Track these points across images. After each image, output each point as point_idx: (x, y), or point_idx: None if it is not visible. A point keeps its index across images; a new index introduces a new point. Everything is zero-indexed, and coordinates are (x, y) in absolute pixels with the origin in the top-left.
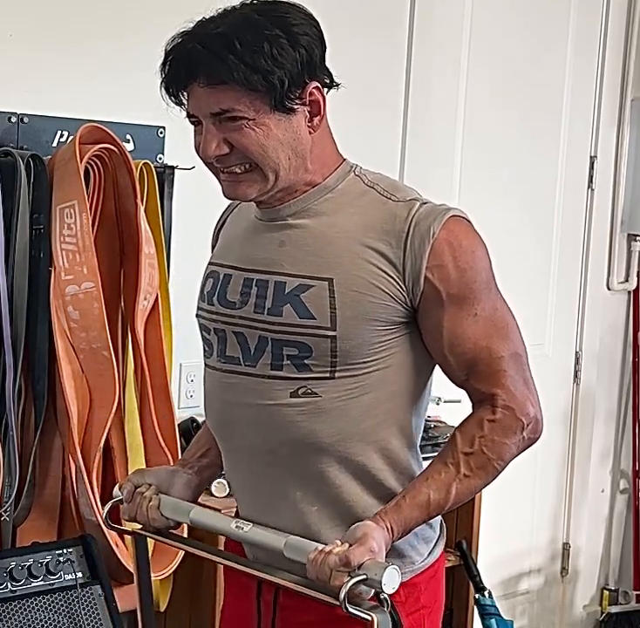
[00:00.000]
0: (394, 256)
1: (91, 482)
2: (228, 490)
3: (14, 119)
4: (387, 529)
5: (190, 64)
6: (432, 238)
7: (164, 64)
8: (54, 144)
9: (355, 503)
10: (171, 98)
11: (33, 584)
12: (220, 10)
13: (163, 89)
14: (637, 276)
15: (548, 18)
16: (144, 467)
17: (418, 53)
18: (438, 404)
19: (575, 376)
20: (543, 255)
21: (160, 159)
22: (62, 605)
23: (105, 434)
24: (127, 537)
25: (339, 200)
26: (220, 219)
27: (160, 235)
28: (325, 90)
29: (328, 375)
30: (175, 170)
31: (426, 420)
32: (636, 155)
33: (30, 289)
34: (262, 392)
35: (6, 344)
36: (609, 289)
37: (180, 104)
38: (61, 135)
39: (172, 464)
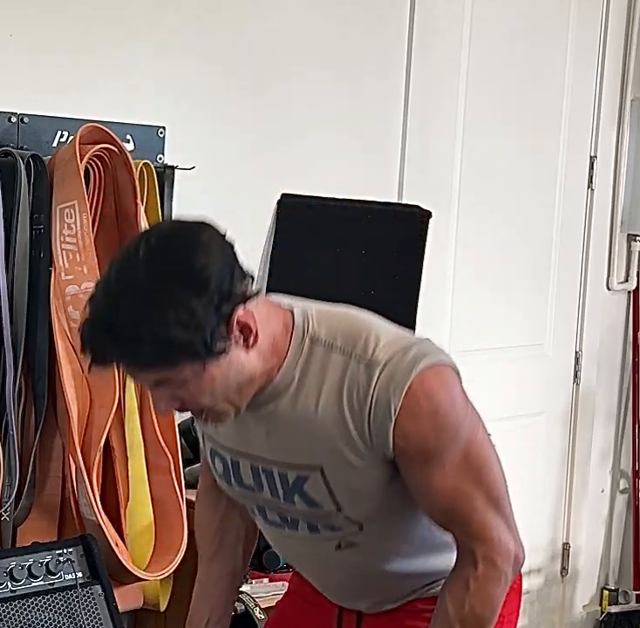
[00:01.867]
0: (362, 430)
1: (91, 482)
2: None
3: (14, 119)
4: None
5: (106, 357)
6: (392, 413)
7: (81, 346)
8: (54, 144)
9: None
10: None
11: (33, 584)
12: (118, 267)
13: (92, 366)
14: (637, 276)
15: (547, 19)
16: (144, 467)
17: (418, 54)
18: None
19: (575, 376)
20: (543, 256)
21: (160, 159)
22: (62, 605)
23: (105, 434)
24: (127, 538)
25: (304, 375)
26: None
27: None
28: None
29: (357, 529)
30: (175, 170)
31: None
32: (636, 155)
33: (30, 289)
34: (309, 546)
35: (6, 344)
36: (608, 289)
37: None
38: (61, 135)
39: (171, 465)
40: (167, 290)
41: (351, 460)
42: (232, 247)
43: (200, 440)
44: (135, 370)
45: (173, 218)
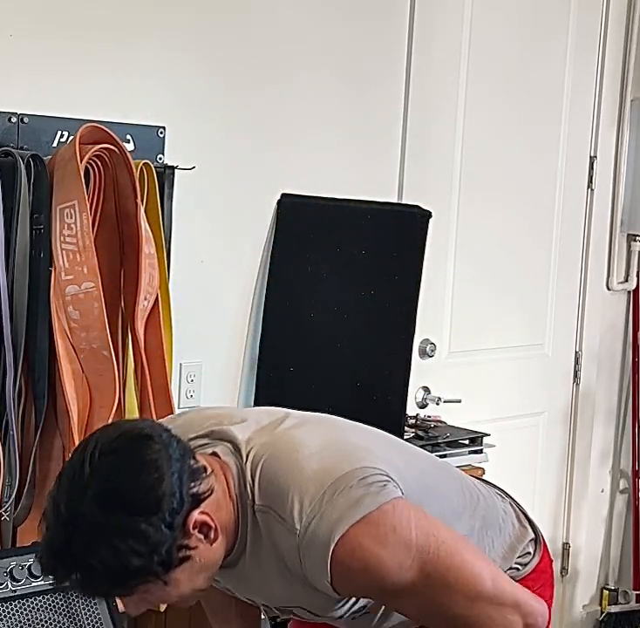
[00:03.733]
0: (314, 587)
1: None
2: None
3: (14, 119)
4: None
5: (67, 582)
6: (326, 580)
7: (41, 568)
8: (54, 144)
9: None
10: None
11: (33, 584)
12: (64, 488)
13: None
14: (637, 276)
15: (547, 18)
16: None
17: (418, 55)
18: (438, 404)
19: (575, 376)
20: (543, 256)
21: (160, 159)
22: (62, 605)
23: None
24: None
25: (254, 542)
26: None
27: (160, 235)
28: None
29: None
30: (175, 170)
31: (426, 420)
32: (636, 155)
33: (30, 289)
34: (329, 617)
35: (6, 343)
36: (608, 289)
37: None
38: (61, 135)
39: None
40: (116, 521)
41: (321, 599)
42: (180, 446)
43: None
44: (96, 595)
45: (115, 424)
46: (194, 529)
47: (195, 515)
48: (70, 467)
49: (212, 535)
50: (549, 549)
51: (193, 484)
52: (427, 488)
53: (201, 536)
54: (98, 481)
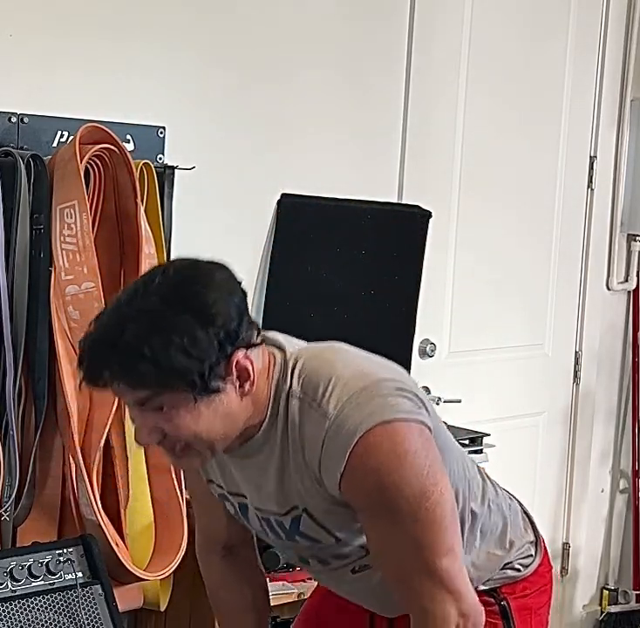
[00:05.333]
0: (322, 480)
1: (91, 482)
2: None
3: (14, 119)
4: None
5: (104, 372)
6: (338, 471)
7: (79, 361)
8: (54, 144)
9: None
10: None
11: (33, 584)
12: (129, 293)
13: (84, 383)
14: (637, 276)
15: (547, 18)
16: (144, 466)
17: (418, 55)
18: (438, 404)
19: (575, 376)
20: (543, 256)
21: (160, 159)
22: (62, 605)
23: (105, 434)
24: (127, 537)
25: (280, 429)
26: None
27: (160, 235)
28: (253, 349)
29: (365, 553)
30: (175, 170)
31: None
32: (636, 155)
33: (30, 289)
34: (328, 571)
35: (6, 344)
36: (608, 289)
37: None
38: (61, 135)
39: (172, 466)
40: (175, 317)
41: (324, 503)
42: (244, 294)
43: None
44: (128, 388)
45: (189, 256)
46: (235, 368)
47: (240, 354)
48: (140, 277)
49: (246, 388)
50: (549, 550)
51: (247, 328)
52: (448, 447)
53: (237, 382)
54: (166, 285)
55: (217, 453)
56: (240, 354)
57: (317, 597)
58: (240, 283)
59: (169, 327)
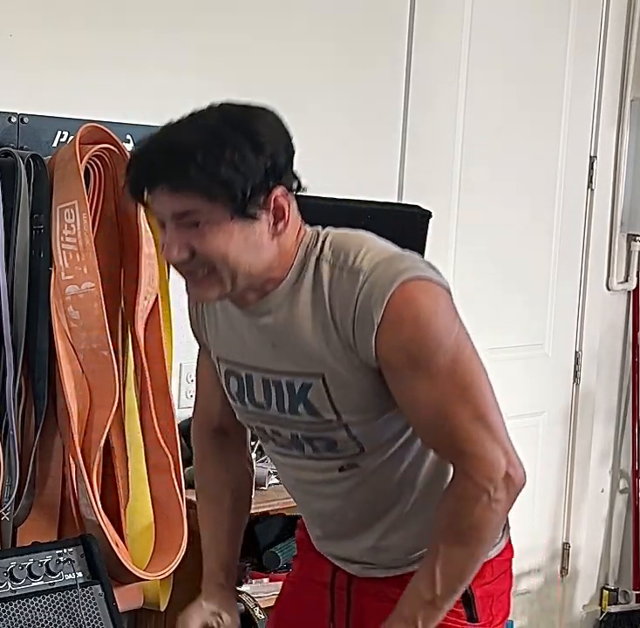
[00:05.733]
0: (352, 341)
1: (91, 482)
2: None
3: (14, 119)
4: None
5: (152, 171)
6: (374, 323)
7: (128, 167)
8: (54, 144)
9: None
10: (133, 199)
11: (33, 584)
12: (188, 115)
13: (128, 190)
14: (637, 276)
15: (547, 18)
16: (144, 466)
17: (418, 54)
18: None
19: (575, 376)
20: (543, 256)
21: None
22: (62, 605)
23: (105, 434)
24: (127, 537)
25: (304, 292)
26: (194, 305)
27: None
28: (292, 193)
29: (359, 451)
30: None
31: None
32: (636, 155)
33: (30, 289)
34: (315, 470)
35: (6, 343)
36: (608, 289)
37: (145, 205)
38: (61, 135)
39: (171, 464)
40: (230, 134)
41: (344, 370)
42: (292, 143)
43: (202, 371)
44: (171, 193)
45: None
46: (273, 202)
47: (280, 191)
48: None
49: (279, 227)
50: (549, 550)
51: (291, 173)
52: None
53: (272, 219)
54: (224, 110)
55: (237, 288)
56: (279, 191)
57: (282, 590)
58: (289, 132)
59: (223, 141)
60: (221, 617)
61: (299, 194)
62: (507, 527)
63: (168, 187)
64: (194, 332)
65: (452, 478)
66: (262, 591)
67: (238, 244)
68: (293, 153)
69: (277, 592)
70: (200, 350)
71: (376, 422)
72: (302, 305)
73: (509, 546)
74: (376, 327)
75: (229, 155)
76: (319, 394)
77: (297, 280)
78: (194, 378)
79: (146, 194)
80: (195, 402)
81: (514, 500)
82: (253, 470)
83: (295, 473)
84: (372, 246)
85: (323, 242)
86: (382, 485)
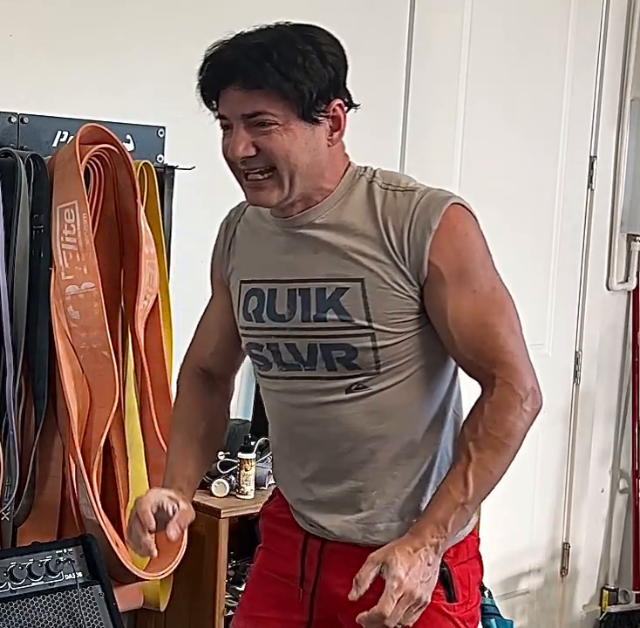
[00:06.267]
0: (399, 248)
1: (91, 482)
2: (227, 490)
3: (14, 119)
4: (427, 543)
5: (228, 69)
6: (431, 228)
7: (202, 67)
8: (54, 144)
9: (414, 484)
10: (204, 99)
11: (33, 584)
12: (256, 27)
13: (199, 90)
14: (637, 276)
15: (547, 19)
16: (144, 467)
17: (418, 55)
18: None
19: (575, 376)
20: (543, 256)
21: (160, 159)
22: (62, 605)
23: (105, 434)
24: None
25: (352, 203)
26: (224, 236)
27: (160, 235)
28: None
29: (374, 371)
30: (175, 170)
31: None
32: (636, 155)
33: (30, 289)
34: (321, 391)
35: (6, 344)
36: (608, 289)
37: (211, 106)
38: (61, 135)
39: None
40: (300, 41)
41: (386, 278)
42: (347, 61)
43: (218, 295)
44: (245, 90)
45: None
46: (333, 111)
47: (339, 102)
48: None
49: (334, 136)
50: (549, 550)
51: (347, 90)
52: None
53: (329, 128)
54: (294, 24)
55: (294, 191)
56: (339, 102)
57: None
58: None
59: (295, 46)
60: (177, 504)
61: None
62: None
63: (243, 86)
64: (213, 273)
65: (486, 389)
66: None
67: (300, 145)
68: (347, 70)
69: None
70: (210, 299)
71: (400, 340)
72: (350, 217)
73: (474, 533)
74: (433, 232)
75: (301, 59)
76: (354, 298)
77: (346, 194)
78: (194, 333)
79: (216, 95)
80: (189, 348)
81: (535, 418)
82: (228, 421)
83: (294, 398)
84: (417, 187)
85: (373, 171)
86: (383, 418)
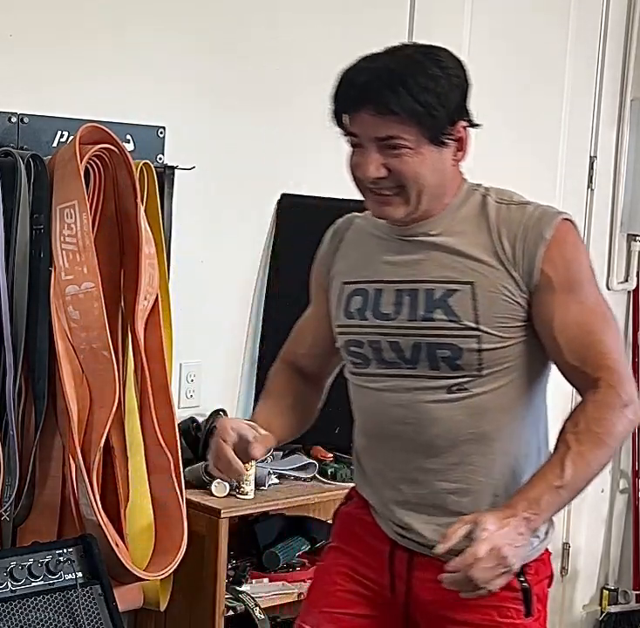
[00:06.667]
0: (511, 254)
1: (91, 482)
2: (227, 490)
3: (14, 119)
4: (519, 515)
5: (363, 93)
6: (545, 238)
7: (336, 90)
8: (54, 144)
9: (504, 491)
10: (335, 119)
11: (33, 584)
12: (384, 49)
13: (332, 112)
14: (637, 276)
15: (547, 19)
16: (144, 467)
17: None
18: None
19: None
20: None
21: (160, 159)
22: (62, 605)
23: (105, 434)
24: (127, 537)
25: (466, 215)
26: (329, 242)
27: (160, 235)
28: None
29: (476, 373)
30: (175, 170)
31: None
32: (636, 155)
33: (30, 289)
34: (422, 389)
35: (6, 344)
36: (608, 289)
37: (341, 125)
38: (61, 135)
39: (171, 464)
40: (431, 68)
41: (496, 283)
42: (469, 81)
43: (325, 298)
44: (378, 115)
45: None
46: (458, 133)
47: (464, 124)
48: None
49: (459, 156)
50: (550, 549)
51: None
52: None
53: (455, 148)
54: (422, 48)
55: (420, 208)
56: (464, 123)
57: (328, 559)
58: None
59: (427, 73)
60: (258, 432)
61: (299, 194)
62: (548, 532)
63: (377, 111)
64: (314, 278)
65: (589, 390)
66: (262, 591)
67: (428, 167)
68: (470, 91)
69: (277, 592)
70: (310, 304)
71: (504, 345)
72: (463, 226)
73: (548, 550)
74: (546, 242)
75: (432, 85)
76: (463, 300)
77: (461, 206)
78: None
79: (346, 117)
80: (283, 347)
81: (633, 428)
82: (315, 414)
83: (392, 396)
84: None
85: (486, 187)
86: (480, 421)
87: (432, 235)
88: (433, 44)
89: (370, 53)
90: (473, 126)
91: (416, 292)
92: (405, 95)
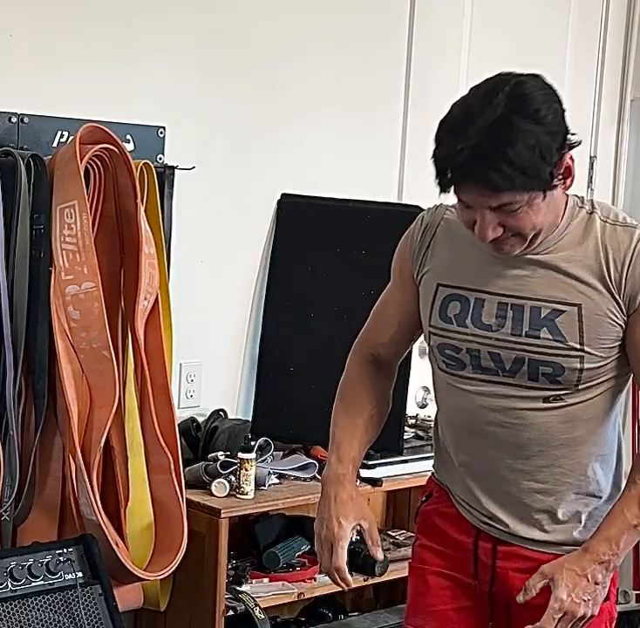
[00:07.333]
0: (617, 280)
1: (91, 482)
2: (227, 490)
3: (14, 119)
4: (598, 560)
5: (466, 175)
6: None
7: (436, 167)
8: (54, 144)
9: (597, 492)
10: (441, 189)
11: (33, 584)
12: (473, 102)
13: (437, 184)
14: None
15: (547, 18)
16: (143, 466)
17: (418, 55)
18: None
19: None
20: None
21: (160, 159)
22: (62, 605)
23: (105, 434)
24: (127, 537)
25: (573, 234)
26: (422, 235)
27: (160, 235)
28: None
29: (574, 387)
30: (175, 170)
31: (426, 420)
32: (636, 155)
33: (30, 289)
34: (519, 398)
35: (6, 343)
36: None
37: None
38: (61, 135)
39: (171, 464)
40: (525, 125)
41: (601, 305)
42: (562, 102)
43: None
44: (490, 193)
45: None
46: (564, 166)
47: (568, 155)
48: (477, 92)
49: (567, 183)
50: None
51: (569, 132)
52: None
53: (561, 180)
54: (509, 98)
55: (537, 241)
56: (568, 154)
57: (418, 555)
58: (557, 93)
59: (525, 135)
60: (360, 525)
61: (299, 194)
62: None
63: (484, 189)
64: (401, 265)
65: None
66: (262, 591)
67: (543, 212)
68: (565, 111)
69: (277, 592)
70: (391, 287)
71: (602, 364)
72: (571, 245)
73: None
74: None
75: (532, 142)
76: (570, 321)
77: (568, 224)
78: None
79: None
80: (362, 332)
81: None
82: (390, 406)
83: (488, 400)
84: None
85: (591, 202)
86: (573, 428)
87: (539, 253)
88: (517, 74)
89: (458, 110)
90: (573, 146)
91: (522, 308)
92: (509, 170)
